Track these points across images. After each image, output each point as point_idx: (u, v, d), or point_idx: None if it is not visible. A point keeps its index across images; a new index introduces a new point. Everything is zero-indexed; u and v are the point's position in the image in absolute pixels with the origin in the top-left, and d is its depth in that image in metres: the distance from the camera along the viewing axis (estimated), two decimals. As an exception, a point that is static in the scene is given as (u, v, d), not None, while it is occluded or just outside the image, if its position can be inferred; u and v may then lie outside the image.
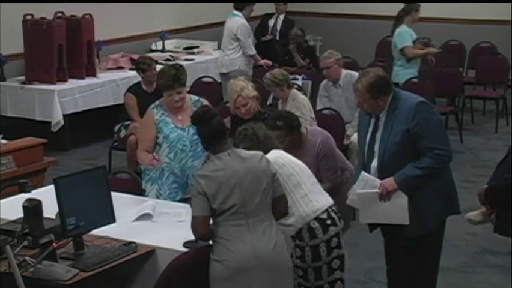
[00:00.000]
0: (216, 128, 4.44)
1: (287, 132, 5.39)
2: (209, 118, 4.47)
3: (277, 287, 4.41)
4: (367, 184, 4.96)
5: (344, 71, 8.09)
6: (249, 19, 10.35)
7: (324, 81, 8.18)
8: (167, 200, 5.62)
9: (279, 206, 4.49)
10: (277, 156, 4.79)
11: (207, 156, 5.71)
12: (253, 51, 10.20)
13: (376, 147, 4.93)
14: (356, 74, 7.88)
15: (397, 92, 4.95)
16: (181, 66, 5.77)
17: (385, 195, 4.88)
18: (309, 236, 4.70)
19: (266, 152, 4.78)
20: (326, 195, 4.86)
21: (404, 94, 4.98)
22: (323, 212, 4.75)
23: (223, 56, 10.23)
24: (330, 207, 4.80)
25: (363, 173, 4.99)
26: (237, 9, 10.23)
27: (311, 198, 4.76)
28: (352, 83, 7.68)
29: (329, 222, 4.74)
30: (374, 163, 4.95)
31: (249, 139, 4.82)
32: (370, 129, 4.97)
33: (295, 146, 5.37)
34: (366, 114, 5.02)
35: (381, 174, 4.92)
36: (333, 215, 4.79)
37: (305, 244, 4.71)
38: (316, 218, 4.72)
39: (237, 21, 10.10)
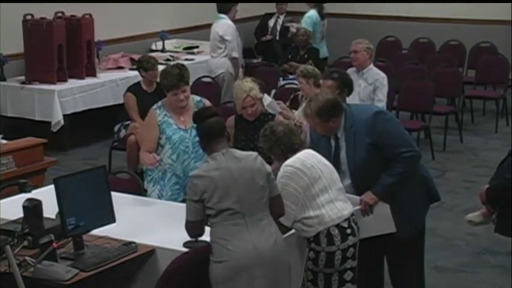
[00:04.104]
0: (212, 127, 4.45)
1: (338, 85, 5.50)
2: (207, 116, 4.49)
3: (277, 283, 4.39)
4: None
5: (373, 66, 8.08)
6: (234, 20, 10.33)
7: (352, 68, 8.18)
8: (169, 201, 5.61)
9: (275, 206, 4.47)
10: (306, 157, 4.74)
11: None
12: (236, 55, 10.16)
13: (344, 167, 4.95)
14: (381, 73, 7.90)
15: (348, 109, 4.98)
16: (183, 65, 5.77)
17: (368, 210, 4.92)
18: (327, 242, 4.65)
19: (288, 147, 4.75)
20: (349, 203, 4.82)
21: (355, 109, 5.02)
22: (345, 221, 4.70)
23: (211, 60, 10.22)
24: (351, 215, 4.76)
25: None
26: (222, 12, 10.17)
27: (336, 205, 4.71)
28: (377, 78, 7.79)
29: (349, 231, 4.69)
30: (346, 181, 4.95)
31: (267, 139, 4.81)
32: (332, 150, 4.98)
33: None
34: (321, 136, 5.02)
35: (358, 190, 4.96)
36: (353, 225, 4.74)
37: (321, 249, 4.65)
38: (337, 225, 4.67)
39: (223, 24, 10.08)
